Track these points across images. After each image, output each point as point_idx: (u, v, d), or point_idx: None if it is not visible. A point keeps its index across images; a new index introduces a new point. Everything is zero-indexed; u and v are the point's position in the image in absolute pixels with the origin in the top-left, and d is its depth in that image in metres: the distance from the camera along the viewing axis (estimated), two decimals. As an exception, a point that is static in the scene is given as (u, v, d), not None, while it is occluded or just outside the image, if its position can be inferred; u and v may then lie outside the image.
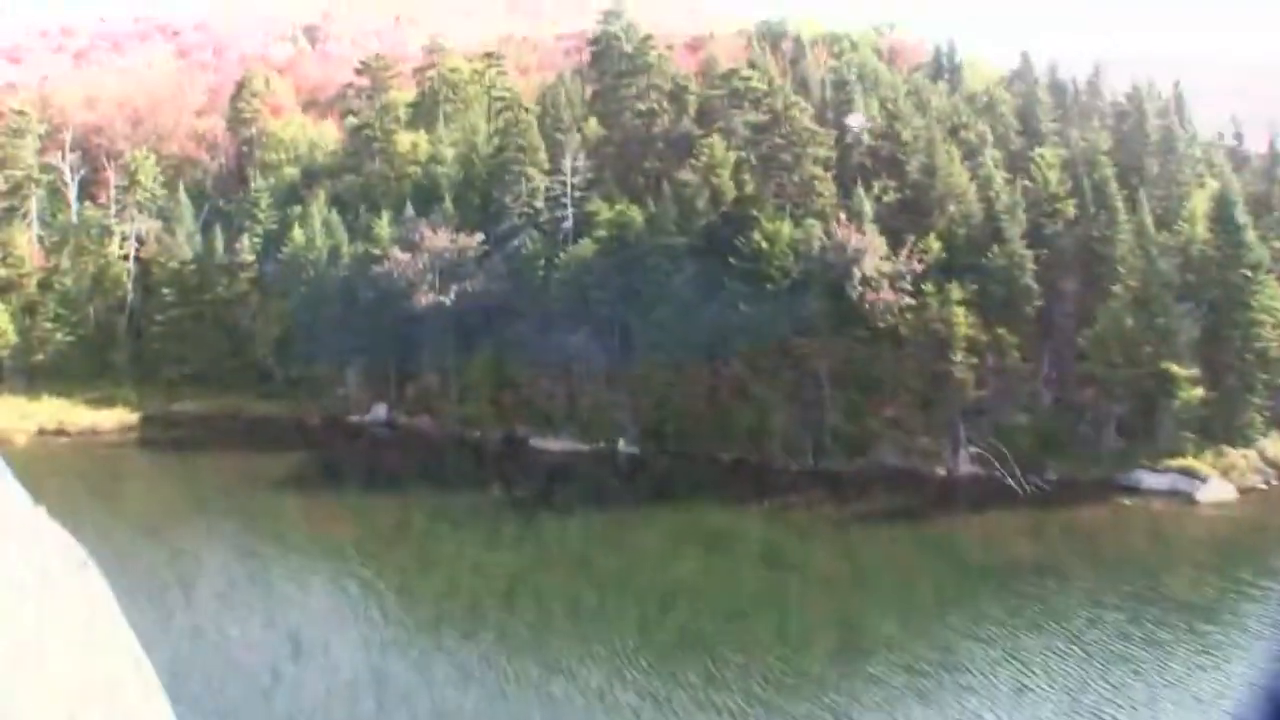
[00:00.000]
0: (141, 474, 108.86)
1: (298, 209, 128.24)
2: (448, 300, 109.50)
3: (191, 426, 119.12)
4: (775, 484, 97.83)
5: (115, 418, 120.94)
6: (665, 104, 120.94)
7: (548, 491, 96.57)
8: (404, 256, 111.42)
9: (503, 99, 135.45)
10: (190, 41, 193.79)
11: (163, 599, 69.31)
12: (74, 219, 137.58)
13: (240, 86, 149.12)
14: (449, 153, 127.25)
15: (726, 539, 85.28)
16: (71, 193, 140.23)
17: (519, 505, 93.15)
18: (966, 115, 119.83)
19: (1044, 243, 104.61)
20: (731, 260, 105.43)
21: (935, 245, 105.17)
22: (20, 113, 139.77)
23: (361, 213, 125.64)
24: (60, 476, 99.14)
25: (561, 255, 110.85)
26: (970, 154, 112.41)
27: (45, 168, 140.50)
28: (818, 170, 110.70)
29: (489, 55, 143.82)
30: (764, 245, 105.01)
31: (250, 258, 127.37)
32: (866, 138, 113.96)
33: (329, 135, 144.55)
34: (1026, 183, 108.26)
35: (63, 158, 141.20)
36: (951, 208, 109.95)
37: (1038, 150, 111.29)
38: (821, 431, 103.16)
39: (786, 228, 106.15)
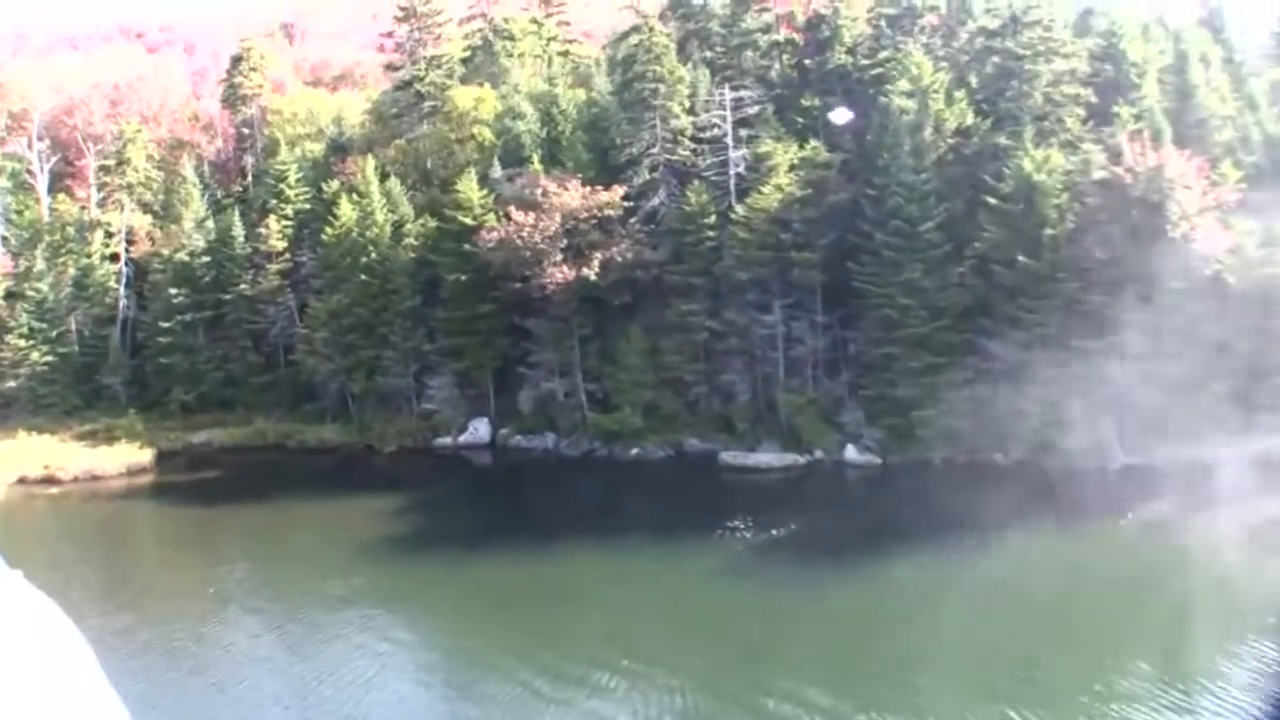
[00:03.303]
0: (176, 541, 67.80)
1: (334, 184, 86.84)
2: (592, 273, 68.86)
3: (222, 464, 79.17)
4: (1097, 487, 59.51)
5: (119, 457, 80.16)
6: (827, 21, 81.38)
7: (815, 525, 58.09)
8: (525, 218, 70.43)
9: (565, 52, 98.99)
10: (158, 40, 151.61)
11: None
12: (46, 215, 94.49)
13: (236, 60, 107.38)
14: (528, 106, 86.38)
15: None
16: (41, 184, 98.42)
17: (798, 546, 54.71)
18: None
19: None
20: (990, 200, 66.93)
21: (1233, 174, 67.56)
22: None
23: (412, 184, 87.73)
24: (55, 552, 60.84)
25: (738, 210, 70.89)
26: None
27: (8, 157, 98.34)
28: (1068, 87, 72.59)
29: (548, 2, 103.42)
30: (1036, 177, 66.35)
31: (280, 244, 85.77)
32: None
33: (354, 106, 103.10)
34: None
35: (29, 145, 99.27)
36: (1225, 134, 72.69)
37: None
38: (1125, 418, 63.71)
39: (1058, 155, 67.61)
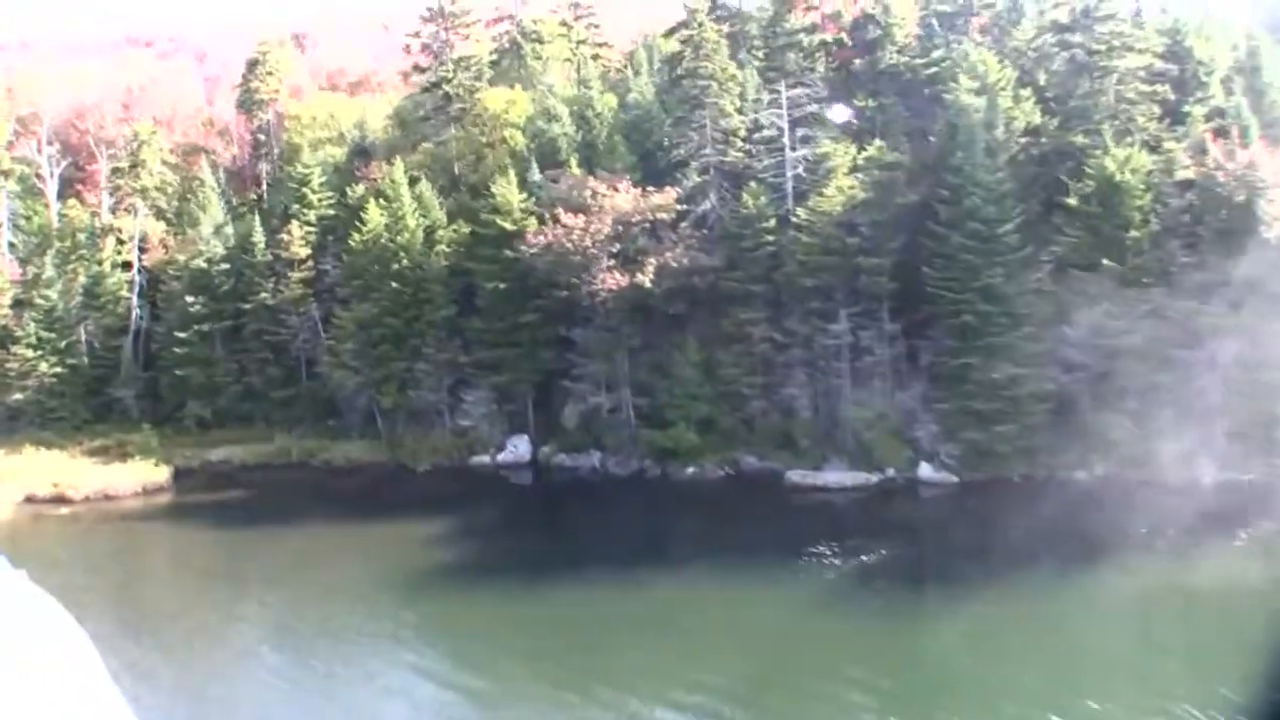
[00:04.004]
0: (201, 568, 60.30)
1: (359, 189, 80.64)
2: (647, 280, 62.68)
3: (243, 483, 73.26)
4: (1195, 504, 51.89)
5: (134, 475, 73.98)
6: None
7: (907, 549, 52.82)
8: (574, 220, 64.35)
9: (596, 56, 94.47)
10: (167, 49, 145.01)
11: None
12: (55, 220, 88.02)
13: (252, 65, 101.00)
14: (563, 109, 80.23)
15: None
16: (51, 189, 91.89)
17: (896, 573, 49.32)
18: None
19: None
20: (1069, 202, 61.28)
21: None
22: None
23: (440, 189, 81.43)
24: (66, 580, 52.61)
25: (800, 212, 64.89)
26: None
27: (16, 161, 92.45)
28: (1142, 84, 66.92)
29: (577, 4, 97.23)
30: (1119, 177, 60.50)
31: (303, 251, 79.38)
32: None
33: (376, 110, 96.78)
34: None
35: (38, 149, 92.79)
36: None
37: None
38: (1217, 430, 57.81)
39: (1140, 155, 61.79)
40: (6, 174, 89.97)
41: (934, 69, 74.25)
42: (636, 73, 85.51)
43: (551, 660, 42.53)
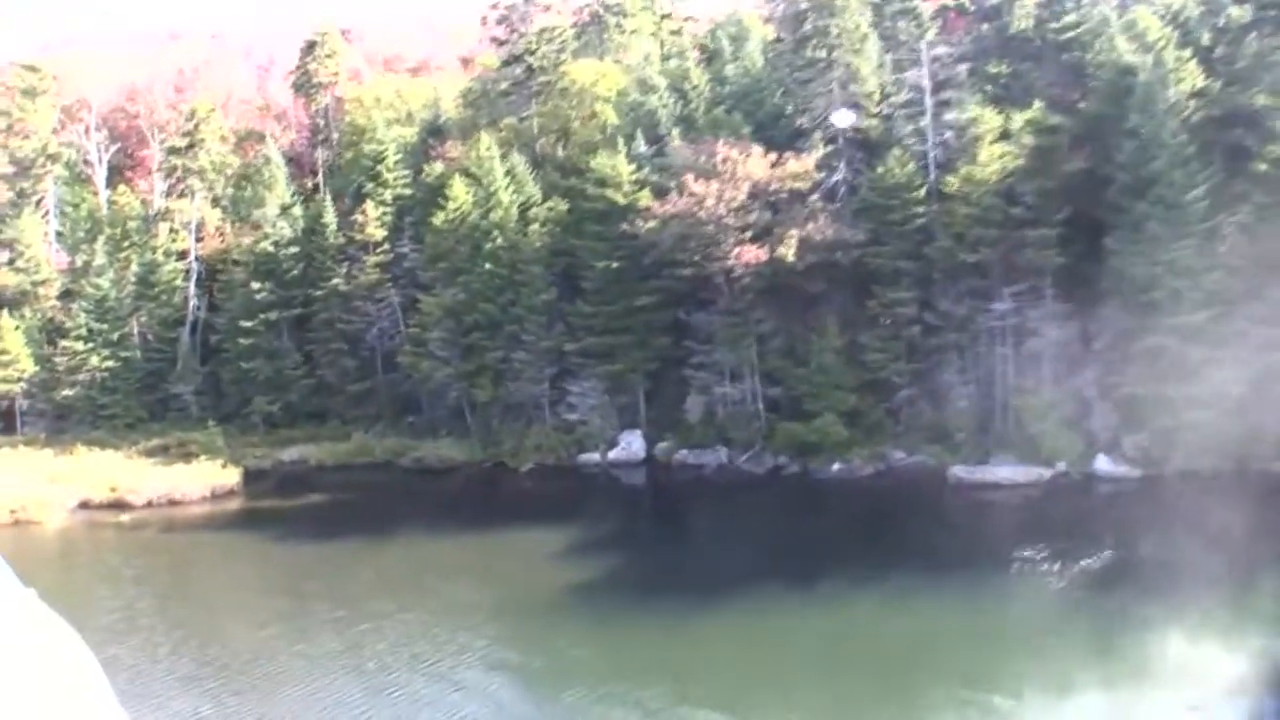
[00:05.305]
0: (291, 589, 49.73)
1: (437, 166, 72.89)
2: (790, 253, 54.62)
3: (322, 486, 64.98)
4: None
5: (200, 478, 64.91)
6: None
7: (1130, 550, 44.40)
8: (706, 187, 56.30)
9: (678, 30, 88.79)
10: (210, 46, 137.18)
11: None
12: (105, 208, 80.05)
13: (309, 47, 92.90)
14: (661, 81, 72.54)
15: None
16: (99, 176, 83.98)
17: (1136, 580, 40.11)
18: None
19: None
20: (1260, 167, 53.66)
21: None
22: (30, 68, 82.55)
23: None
24: (131, 603, 47.62)
25: (951, 181, 56.89)
26: None
27: (64, 145, 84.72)
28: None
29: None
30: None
31: (379, 233, 71.30)
32: None
33: (447, 90, 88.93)
34: None
35: (87, 133, 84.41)
36: None
37: None
38: None
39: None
40: (54, 158, 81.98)
41: (1069, 33, 66.76)
42: (735, 41, 77.94)
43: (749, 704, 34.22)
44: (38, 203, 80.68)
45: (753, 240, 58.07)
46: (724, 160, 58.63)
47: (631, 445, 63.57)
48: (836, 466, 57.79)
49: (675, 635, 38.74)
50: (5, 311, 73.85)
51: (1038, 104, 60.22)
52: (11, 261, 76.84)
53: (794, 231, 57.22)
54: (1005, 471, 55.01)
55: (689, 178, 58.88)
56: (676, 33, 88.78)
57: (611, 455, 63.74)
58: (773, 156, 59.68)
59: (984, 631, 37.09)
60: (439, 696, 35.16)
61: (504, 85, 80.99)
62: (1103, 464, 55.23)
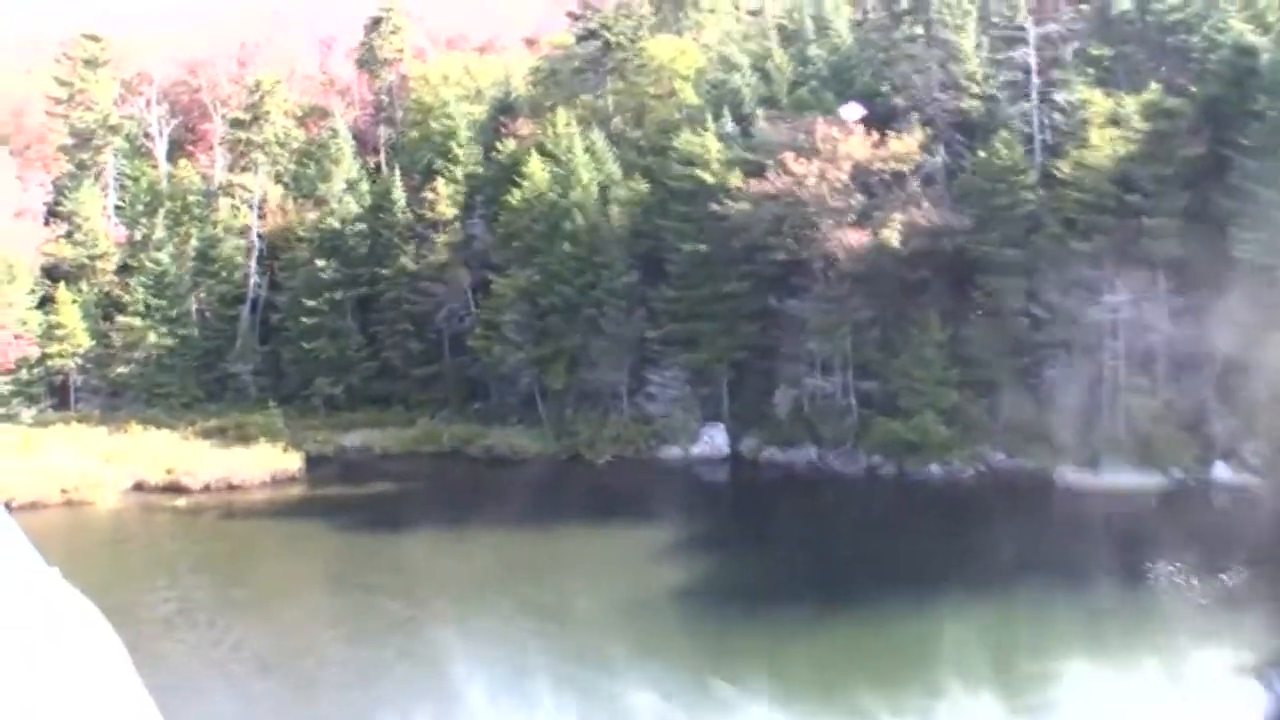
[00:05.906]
0: (365, 583, 47.02)
1: (509, 144, 69.68)
2: (895, 237, 51.07)
3: (389, 474, 61.88)
4: None
5: (259, 461, 61.95)
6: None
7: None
8: (806, 167, 52.81)
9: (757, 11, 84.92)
10: (272, 21, 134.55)
11: None
12: (165, 182, 77.16)
13: (375, 22, 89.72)
14: (744, 59, 69.32)
15: None
16: (160, 149, 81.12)
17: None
18: None
19: None
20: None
21: None
22: (92, 37, 79.72)
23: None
24: (188, 593, 45.43)
25: (1062, 166, 53.24)
26: None
27: (123, 118, 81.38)
28: None
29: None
30: None
31: (450, 212, 68.16)
32: None
33: (518, 68, 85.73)
34: None
35: (148, 105, 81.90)
36: None
37: None
38: None
39: None
40: (114, 130, 79.26)
41: (1175, 15, 62.98)
42: (817, 21, 74.49)
43: None
44: (97, 175, 78.00)
45: (852, 224, 54.51)
46: (824, 139, 55.06)
47: (715, 440, 60.12)
48: (934, 468, 54.19)
49: (788, 644, 35.54)
50: (62, 285, 71.27)
51: (1154, 86, 56.43)
52: (69, 234, 74.15)
53: (897, 215, 53.67)
54: (1121, 477, 51.25)
55: (788, 156, 55.29)
56: (755, 12, 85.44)
57: (695, 450, 60.29)
58: (874, 137, 56.07)
59: (1132, 638, 33.56)
60: None
61: (577, 62, 77.66)
62: (1221, 471, 51.55)
